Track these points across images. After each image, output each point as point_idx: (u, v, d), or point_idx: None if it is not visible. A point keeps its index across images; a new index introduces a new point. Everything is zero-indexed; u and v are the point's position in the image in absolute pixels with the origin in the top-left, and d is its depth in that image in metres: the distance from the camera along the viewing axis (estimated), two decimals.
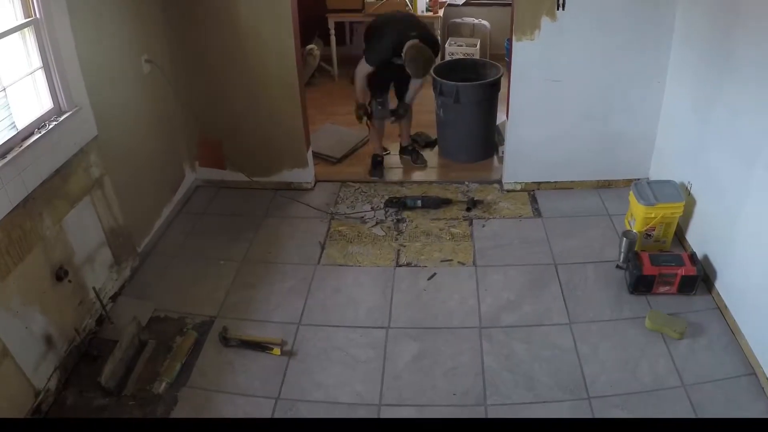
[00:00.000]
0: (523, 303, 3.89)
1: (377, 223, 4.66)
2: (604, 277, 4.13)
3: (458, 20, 7.85)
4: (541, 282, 4.09)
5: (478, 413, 3.22)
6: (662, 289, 3.91)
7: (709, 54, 4.04)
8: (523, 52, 4.58)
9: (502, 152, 5.16)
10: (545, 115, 4.82)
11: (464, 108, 5.14)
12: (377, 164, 5.24)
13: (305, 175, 4.99)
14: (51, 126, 3.24)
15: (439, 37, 7.03)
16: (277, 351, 3.49)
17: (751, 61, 3.54)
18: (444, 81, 5.17)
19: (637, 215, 4.26)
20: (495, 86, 5.25)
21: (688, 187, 4.31)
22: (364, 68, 4.86)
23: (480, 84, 5.22)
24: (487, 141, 5.46)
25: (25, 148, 3.02)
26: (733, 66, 3.75)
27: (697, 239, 4.25)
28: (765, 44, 3.32)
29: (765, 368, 3.30)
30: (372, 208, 4.84)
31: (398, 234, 4.56)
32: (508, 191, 5.11)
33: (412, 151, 5.37)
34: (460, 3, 7.87)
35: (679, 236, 4.45)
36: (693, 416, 3.16)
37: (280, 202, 4.95)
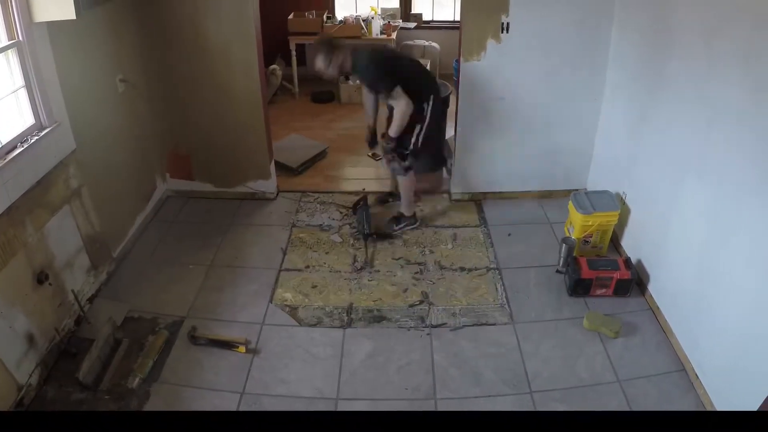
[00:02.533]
0: (470, 304, 3.99)
1: (335, 231, 4.74)
2: (545, 281, 4.22)
3: (410, 42, 8.00)
4: (486, 284, 4.17)
5: (428, 406, 3.29)
6: (599, 292, 4.03)
7: (642, 73, 4.12)
8: (470, 71, 4.69)
9: (451, 164, 5.21)
10: (491, 130, 4.90)
11: None
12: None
13: (268, 185, 5.06)
14: (33, 140, 3.27)
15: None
16: (242, 349, 3.55)
17: (680, 80, 3.64)
18: None
19: (576, 223, 4.34)
20: (445, 103, 5.24)
21: (623, 197, 4.39)
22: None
23: None
24: (438, 154, 5.41)
25: (8, 161, 3.05)
26: (664, 84, 3.83)
27: (631, 245, 4.35)
28: (693, 65, 3.46)
29: (694, 365, 3.43)
30: (330, 217, 4.92)
31: (355, 240, 4.65)
32: (456, 201, 5.20)
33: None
34: (412, 27, 8.05)
35: (615, 242, 4.54)
36: (628, 409, 3.27)
37: (246, 211, 5.00)
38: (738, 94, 3.05)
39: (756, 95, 2.90)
